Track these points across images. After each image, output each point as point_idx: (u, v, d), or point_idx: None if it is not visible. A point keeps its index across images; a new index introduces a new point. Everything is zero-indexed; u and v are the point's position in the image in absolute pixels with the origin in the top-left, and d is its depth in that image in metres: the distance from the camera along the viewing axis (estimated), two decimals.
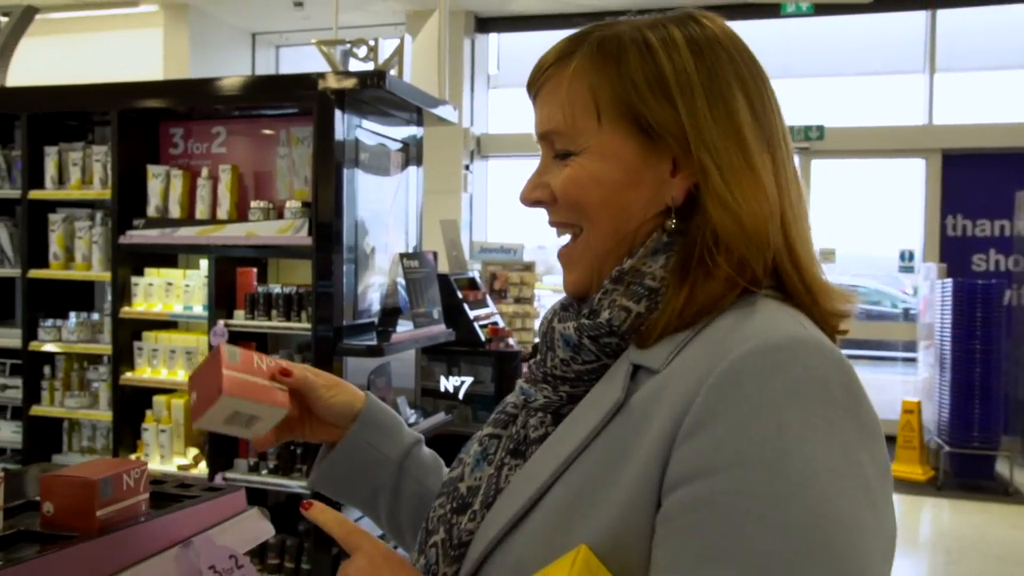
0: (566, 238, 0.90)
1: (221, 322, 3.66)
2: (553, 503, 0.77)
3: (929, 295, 7.16)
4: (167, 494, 1.35)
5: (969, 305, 6.44)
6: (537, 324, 7.32)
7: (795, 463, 0.66)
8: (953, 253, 8.02)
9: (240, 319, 3.69)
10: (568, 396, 0.85)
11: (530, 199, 0.90)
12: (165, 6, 9.29)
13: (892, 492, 0.72)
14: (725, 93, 0.82)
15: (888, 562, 0.70)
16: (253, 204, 3.75)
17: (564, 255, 0.90)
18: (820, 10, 7.35)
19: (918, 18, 8.17)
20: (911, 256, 8.15)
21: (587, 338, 0.83)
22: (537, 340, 0.92)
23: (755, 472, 0.66)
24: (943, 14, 8.12)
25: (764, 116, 0.84)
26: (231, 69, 9.64)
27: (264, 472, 3.71)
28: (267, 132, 3.93)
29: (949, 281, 6.62)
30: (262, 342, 3.85)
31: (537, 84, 0.89)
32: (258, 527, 1.34)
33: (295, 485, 3.66)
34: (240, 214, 3.84)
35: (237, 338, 3.73)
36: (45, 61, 8.41)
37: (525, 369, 0.92)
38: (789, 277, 0.82)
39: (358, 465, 1.04)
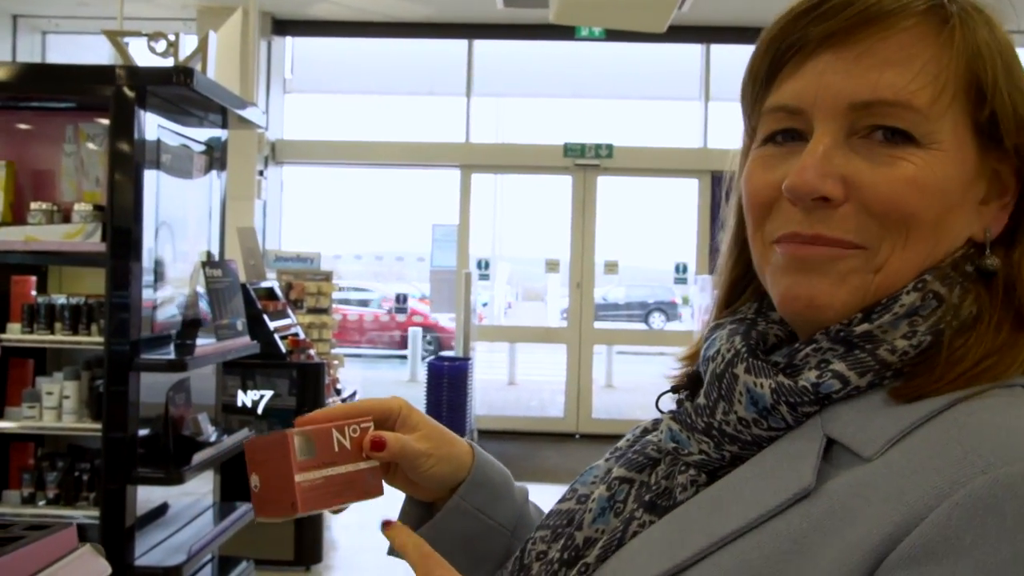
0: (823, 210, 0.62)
1: None
2: None
3: (700, 304, 7.81)
4: None
5: None
6: (332, 336, 7.17)
7: None
8: None
9: (16, 333, 3.31)
10: (732, 457, 0.66)
11: (818, 190, 0.61)
12: None
13: None
14: None
15: None
16: (33, 206, 3.38)
17: (814, 257, 0.63)
18: (611, 36, 7.77)
19: (695, 50, 8.86)
20: (685, 268, 8.81)
21: (786, 404, 0.62)
22: (699, 372, 0.70)
23: None
24: (716, 48, 8.85)
25: None
26: None
27: (42, 503, 3.35)
28: (48, 128, 3.56)
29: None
30: (41, 358, 3.48)
31: (859, 15, 0.60)
32: (93, 566, 1.20)
33: (81, 516, 3.33)
34: (16, 216, 3.46)
35: (14, 354, 3.35)
36: None
37: (670, 402, 0.74)
38: None
39: (465, 536, 0.81)
